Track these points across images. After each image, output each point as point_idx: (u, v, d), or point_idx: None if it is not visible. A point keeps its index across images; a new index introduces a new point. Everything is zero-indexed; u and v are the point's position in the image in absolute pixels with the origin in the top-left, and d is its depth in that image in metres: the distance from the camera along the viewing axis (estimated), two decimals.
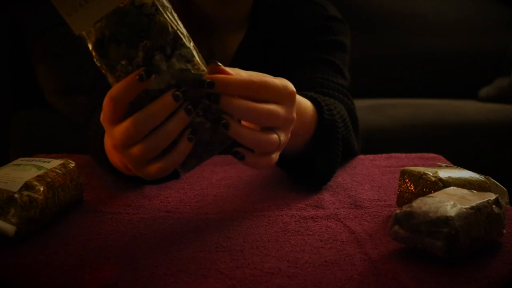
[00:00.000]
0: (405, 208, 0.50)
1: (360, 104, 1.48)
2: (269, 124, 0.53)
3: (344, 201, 0.66)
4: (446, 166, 0.64)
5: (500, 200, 0.53)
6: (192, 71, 0.50)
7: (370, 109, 1.82)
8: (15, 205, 0.53)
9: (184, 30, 0.51)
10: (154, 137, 0.50)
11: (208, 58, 0.92)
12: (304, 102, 0.66)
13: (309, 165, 0.70)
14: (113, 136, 0.52)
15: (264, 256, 0.50)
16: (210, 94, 0.50)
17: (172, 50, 0.50)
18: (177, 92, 0.50)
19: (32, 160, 0.61)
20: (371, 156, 0.88)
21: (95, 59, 0.50)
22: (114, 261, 0.49)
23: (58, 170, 0.60)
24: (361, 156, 0.88)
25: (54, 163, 0.61)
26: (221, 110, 0.51)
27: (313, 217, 0.60)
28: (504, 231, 0.53)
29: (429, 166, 0.67)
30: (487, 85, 2.10)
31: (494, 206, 0.51)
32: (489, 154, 1.74)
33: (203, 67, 0.51)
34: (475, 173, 0.62)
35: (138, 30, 0.49)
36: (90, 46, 0.50)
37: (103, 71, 0.51)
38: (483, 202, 0.51)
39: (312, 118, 0.68)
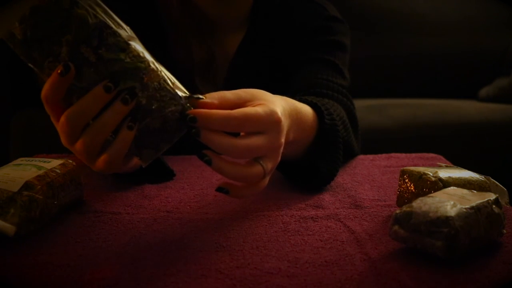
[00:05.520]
0: (405, 208, 0.50)
1: (360, 104, 1.48)
2: (252, 156, 0.54)
3: (344, 201, 0.66)
4: (446, 166, 0.64)
5: (500, 200, 0.53)
6: (126, 60, 0.50)
7: (370, 109, 1.82)
8: (15, 205, 0.53)
9: (119, 22, 0.51)
10: (90, 131, 0.51)
11: (209, 58, 0.93)
12: (304, 110, 0.66)
13: (310, 169, 0.70)
14: (60, 135, 0.52)
15: (264, 256, 0.50)
16: (191, 128, 0.51)
17: (99, 41, 0.49)
18: (109, 83, 0.49)
19: (32, 160, 0.61)
20: (371, 156, 0.88)
21: (24, 61, 0.50)
22: (114, 261, 0.49)
23: (58, 170, 0.60)
24: (361, 156, 0.88)
25: (54, 163, 0.61)
26: (202, 143, 0.51)
27: (313, 217, 0.60)
28: (504, 231, 0.53)
29: (429, 166, 0.67)
30: (487, 85, 2.10)
31: (494, 206, 0.51)
32: (489, 154, 1.74)
33: (144, 55, 0.51)
34: (475, 173, 0.62)
35: (58, 25, 0.49)
36: (14, 49, 0.50)
37: (36, 72, 0.51)
38: (483, 202, 0.51)
39: (313, 124, 0.68)
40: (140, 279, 0.46)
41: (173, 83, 0.52)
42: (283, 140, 0.55)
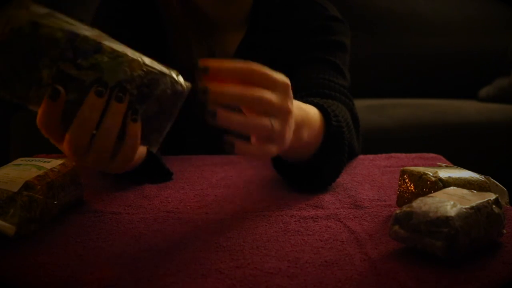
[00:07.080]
0: (405, 208, 0.50)
1: (360, 104, 1.47)
2: (261, 109, 0.52)
3: (344, 201, 0.66)
4: (446, 166, 0.64)
5: (500, 200, 0.53)
6: (105, 60, 0.49)
7: (370, 109, 1.82)
8: (15, 205, 0.53)
9: (80, 25, 0.50)
10: (98, 140, 0.51)
11: (209, 58, 0.93)
12: (312, 111, 0.66)
13: (312, 170, 0.69)
14: (66, 153, 0.52)
15: (264, 256, 0.50)
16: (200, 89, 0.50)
17: (74, 52, 0.48)
18: (99, 88, 0.49)
19: (32, 160, 0.61)
20: (371, 156, 0.88)
21: (10, 100, 0.49)
22: (114, 261, 0.49)
23: (58, 170, 0.60)
24: (361, 156, 0.88)
25: (54, 163, 0.61)
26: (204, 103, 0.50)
27: (313, 217, 0.60)
28: (504, 231, 0.53)
29: (429, 166, 0.67)
30: (487, 85, 2.10)
31: (494, 206, 0.51)
32: (489, 154, 1.74)
33: (118, 47, 0.50)
34: (475, 173, 0.62)
35: (29, 52, 0.47)
36: None
37: (25, 105, 0.49)
38: (483, 202, 0.51)
39: (321, 126, 0.67)
40: (140, 279, 0.46)
41: (155, 64, 0.51)
42: (291, 106, 0.54)
